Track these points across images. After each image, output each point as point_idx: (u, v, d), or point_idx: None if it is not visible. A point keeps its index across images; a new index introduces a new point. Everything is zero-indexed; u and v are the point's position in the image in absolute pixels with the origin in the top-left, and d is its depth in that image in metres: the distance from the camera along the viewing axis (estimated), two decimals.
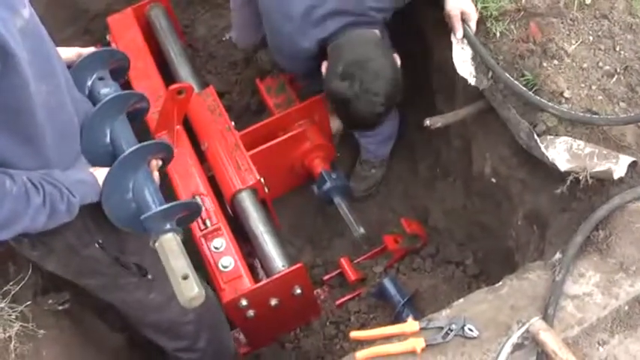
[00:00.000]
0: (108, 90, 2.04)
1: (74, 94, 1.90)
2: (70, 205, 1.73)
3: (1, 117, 1.54)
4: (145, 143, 1.95)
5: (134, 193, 1.90)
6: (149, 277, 2.14)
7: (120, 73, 2.22)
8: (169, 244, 1.85)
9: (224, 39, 4.00)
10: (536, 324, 1.87)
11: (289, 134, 3.13)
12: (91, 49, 2.15)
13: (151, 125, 2.94)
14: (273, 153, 3.11)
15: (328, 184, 3.13)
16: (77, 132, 1.88)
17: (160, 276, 2.10)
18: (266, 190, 2.97)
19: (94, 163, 1.93)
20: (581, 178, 2.20)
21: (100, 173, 1.87)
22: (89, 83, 2.09)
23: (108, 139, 1.97)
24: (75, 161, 1.86)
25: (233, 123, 3.09)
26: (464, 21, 2.52)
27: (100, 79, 2.09)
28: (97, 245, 1.95)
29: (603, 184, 2.24)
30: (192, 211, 2.07)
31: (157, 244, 1.86)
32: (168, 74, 3.34)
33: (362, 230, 3.09)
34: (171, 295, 2.18)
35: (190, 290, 1.78)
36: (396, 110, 3.27)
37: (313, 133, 3.19)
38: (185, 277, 1.79)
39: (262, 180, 2.92)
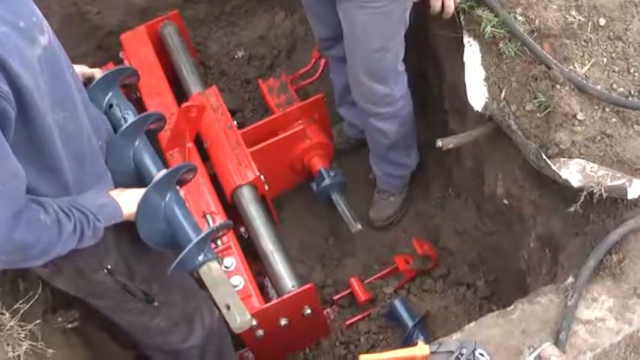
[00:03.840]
0: (124, 113, 2.08)
1: (91, 112, 1.91)
2: (96, 229, 1.76)
3: (21, 150, 1.53)
4: (175, 167, 1.99)
5: (167, 218, 1.95)
6: (155, 304, 2.14)
7: (131, 86, 2.29)
8: (209, 275, 1.91)
9: (236, 56, 4.02)
10: (548, 349, 1.85)
11: (289, 132, 3.19)
12: (98, 71, 2.19)
13: (162, 143, 2.94)
14: (274, 150, 3.16)
15: (326, 181, 3.21)
16: (95, 153, 1.89)
17: (166, 303, 2.14)
18: (266, 187, 3.02)
19: (120, 183, 1.96)
20: (595, 191, 2.17)
21: (127, 196, 1.90)
22: (104, 104, 2.13)
23: (132, 162, 2.03)
24: (95, 182, 1.87)
25: (235, 122, 3.16)
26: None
27: (115, 102, 2.13)
28: (105, 271, 1.95)
29: (617, 206, 2.22)
30: (224, 230, 2.13)
31: (200, 273, 1.92)
32: (180, 91, 3.35)
33: (359, 226, 3.17)
34: (176, 320, 2.22)
35: (233, 322, 1.86)
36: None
37: (313, 131, 3.27)
38: (227, 307, 1.86)
39: (262, 177, 2.97)
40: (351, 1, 2.61)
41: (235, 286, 2.63)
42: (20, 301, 2.08)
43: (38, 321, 2.10)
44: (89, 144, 1.84)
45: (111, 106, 2.12)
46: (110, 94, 2.14)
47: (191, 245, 1.89)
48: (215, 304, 1.97)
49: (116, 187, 1.96)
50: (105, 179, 1.93)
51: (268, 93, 3.60)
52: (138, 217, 1.89)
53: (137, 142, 2.04)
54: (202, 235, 1.92)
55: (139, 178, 2.02)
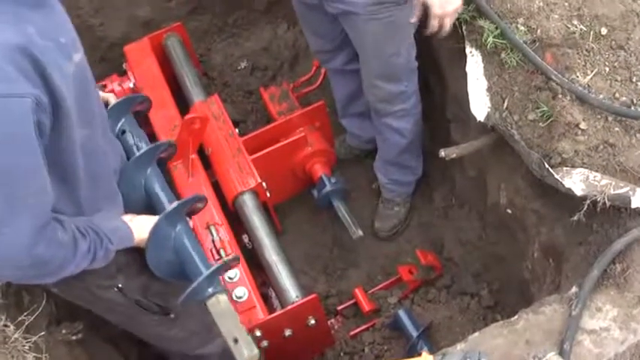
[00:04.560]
0: (136, 140, 2.13)
1: (108, 134, 1.95)
2: (108, 251, 1.77)
3: (45, 160, 1.54)
4: (186, 199, 2.02)
5: (176, 249, 1.97)
6: (171, 315, 2.13)
7: (143, 112, 2.31)
8: (217, 308, 1.92)
9: (239, 68, 4.03)
10: (553, 359, 1.84)
11: (290, 139, 3.21)
12: (112, 96, 2.24)
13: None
14: (275, 157, 3.18)
15: (328, 188, 3.23)
16: (109, 174, 1.91)
17: (182, 314, 2.14)
18: (268, 194, 3.04)
19: (130, 209, 1.98)
20: (598, 200, 2.17)
21: (139, 223, 1.91)
22: (117, 130, 2.18)
23: (143, 190, 2.06)
24: (106, 204, 1.89)
25: (237, 130, 3.20)
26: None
27: (128, 128, 2.17)
28: (115, 289, 1.95)
29: (620, 215, 2.22)
30: (233, 264, 2.13)
31: (207, 305, 1.93)
32: (184, 103, 3.36)
33: (360, 232, 3.19)
34: (194, 330, 2.24)
35: (240, 356, 1.87)
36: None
37: (314, 138, 3.29)
38: (235, 341, 1.88)
39: (264, 184, 2.99)
40: (358, 15, 2.61)
41: (240, 298, 2.64)
42: (25, 313, 2.09)
43: (42, 333, 2.11)
44: (105, 164, 1.86)
45: (123, 132, 2.16)
46: (123, 120, 2.18)
47: (201, 279, 1.90)
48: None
49: (126, 213, 1.97)
50: (116, 202, 1.95)
51: (270, 101, 3.63)
52: (148, 246, 1.91)
53: (149, 171, 2.07)
54: (212, 269, 1.94)
55: (148, 206, 2.05)
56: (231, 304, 1.97)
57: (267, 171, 3.07)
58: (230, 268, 2.14)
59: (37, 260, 1.56)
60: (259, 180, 2.98)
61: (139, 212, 1.98)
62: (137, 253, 1.96)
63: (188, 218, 2.07)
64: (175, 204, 1.96)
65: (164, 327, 2.20)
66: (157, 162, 2.16)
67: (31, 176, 1.49)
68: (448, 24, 2.46)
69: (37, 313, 2.13)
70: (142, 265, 1.96)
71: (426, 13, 2.45)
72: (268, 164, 3.13)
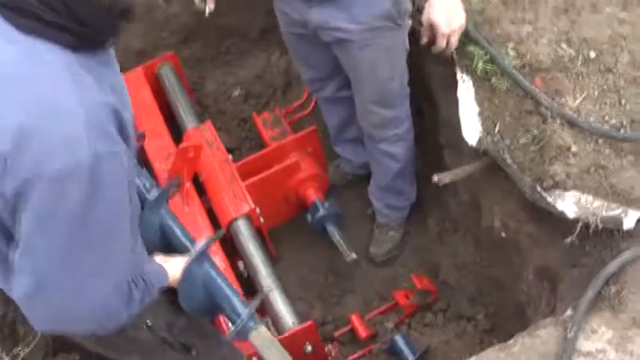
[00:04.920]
0: (142, 179, 2.11)
1: None
2: (152, 295, 1.73)
3: None
4: (210, 238, 2.02)
5: (208, 288, 1.98)
6: (193, 353, 2.11)
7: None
8: (259, 341, 1.95)
9: (233, 95, 4.06)
10: None
11: (283, 164, 3.25)
12: None
13: (161, 183, 2.96)
14: (268, 183, 3.22)
15: (321, 212, 3.26)
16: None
17: (203, 351, 2.13)
18: (261, 219, 3.06)
19: (147, 250, 1.95)
20: (591, 222, 2.19)
21: (171, 265, 1.91)
22: None
23: (158, 230, 2.07)
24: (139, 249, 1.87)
25: (230, 156, 3.23)
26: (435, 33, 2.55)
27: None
28: (145, 327, 1.92)
29: (613, 237, 2.24)
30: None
31: (249, 338, 1.96)
32: (178, 132, 3.38)
33: (354, 255, 3.22)
34: None
35: None
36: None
37: (307, 163, 3.32)
38: None
39: (258, 209, 3.02)
40: (352, 42, 2.64)
41: None
42: (20, 345, 2.09)
43: None
44: (137, 208, 1.81)
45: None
46: None
47: (245, 320, 1.93)
48: None
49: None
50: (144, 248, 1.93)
51: (262, 126, 3.67)
52: (181, 286, 1.91)
53: (162, 212, 2.09)
54: (252, 307, 1.96)
55: (164, 245, 2.04)
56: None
57: (260, 196, 3.10)
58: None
59: (109, 317, 1.55)
60: (252, 205, 3.00)
61: (153, 252, 1.98)
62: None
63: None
64: (203, 244, 1.98)
65: None
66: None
67: (127, 233, 1.51)
68: (454, 42, 2.54)
69: (33, 344, 2.12)
70: (166, 301, 1.96)
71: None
72: (262, 190, 3.16)
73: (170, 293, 1.94)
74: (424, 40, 2.60)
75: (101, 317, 1.54)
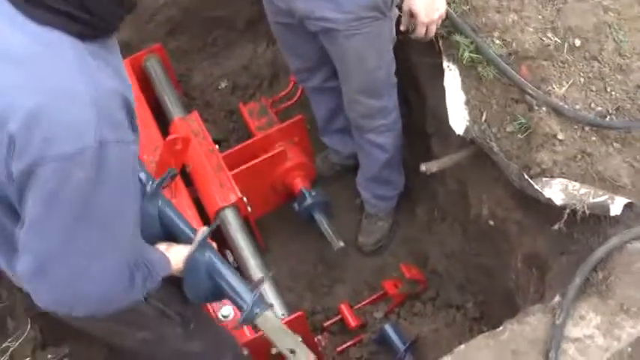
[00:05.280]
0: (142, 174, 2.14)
1: None
2: (154, 282, 1.76)
3: None
4: (211, 227, 2.06)
5: (211, 275, 2.00)
6: (191, 326, 2.15)
7: None
8: (267, 324, 1.97)
9: (220, 87, 4.05)
10: None
11: (270, 154, 3.25)
12: None
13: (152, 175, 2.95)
14: (255, 172, 3.22)
15: (308, 201, 3.28)
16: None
17: (200, 324, 2.18)
18: (249, 208, 3.06)
19: (147, 240, 1.96)
20: (578, 209, 2.20)
21: (174, 253, 1.94)
22: None
23: (157, 220, 2.07)
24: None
25: (217, 147, 3.23)
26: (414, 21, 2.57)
27: None
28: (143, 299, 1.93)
29: (600, 224, 2.25)
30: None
31: (257, 324, 1.98)
32: (165, 123, 3.36)
33: (341, 244, 3.23)
34: (209, 342, 2.27)
35: None
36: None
37: (293, 152, 3.33)
38: (292, 352, 1.94)
39: (245, 198, 3.01)
40: (339, 31, 2.64)
41: (226, 317, 2.64)
42: (9, 340, 2.08)
43: (28, 359, 2.10)
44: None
45: None
46: None
47: (251, 305, 1.95)
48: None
49: None
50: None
51: (249, 116, 3.67)
52: (186, 275, 1.94)
53: (160, 202, 2.10)
54: (257, 292, 1.98)
55: (164, 235, 2.06)
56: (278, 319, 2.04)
57: (247, 186, 3.10)
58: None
59: (109, 298, 1.59)
60: (240, 195, 3.00)
61: (154, 242, 2.00)
62: None
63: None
64: (205, 232, 2.00)
65: (182, 340, 2.19)
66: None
67: (130, 215, 1.56)
68: (433, 30, 2.55)
69: (22, 338, 2.12)
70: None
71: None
72: (248, 179, 3.16)
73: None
74: (403, 27, 2.61)
75: (102, 299, 1.58)
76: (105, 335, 2.09)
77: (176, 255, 1.94)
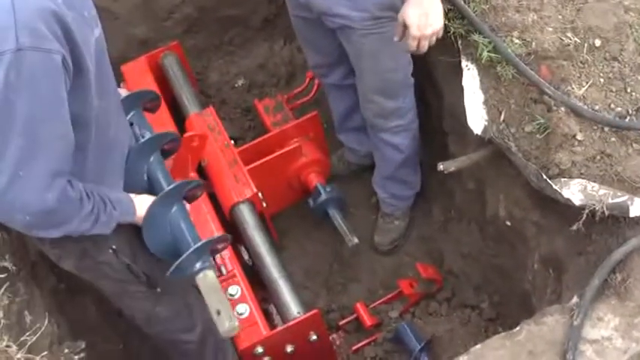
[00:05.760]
0: (142, 131, 2.23)
1: (120, 116, 2.07)
2: (111, 218, 1.87)
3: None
4: (183, 181, 2.12)
5: (171, 229, 2.07)
6: (158, 290, 2.22)
7: (153, 108, 2.41)
8: (204, 282, 2.02)
9: (236, 85, 4.05)
10: None
11: (285, 149, 3.26)
12: (123, 90, 2.36)
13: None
14: (271, 168, 3.23)
15: (323, 197, 3.27)
16: (117, 151, 2.02)
17: (169, 291, 2.25)
18: (264, 204, 3.07)
19: (132, 192, 2.07)
20: (597, 209, 2.19)
21: (140, 200, 2.02)
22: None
23: (145, 176, 2.16)
24: (109, 179, 1.99)
25: (233, 141, 3.24)
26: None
27: (135, 121, 2.26)
28: (110, 251, 2.04)
29: (619, 225, 2.23)
30: (223, 243, 2.20)
31: (196, 280, 2.03)
32: (181, 121, 3.37)
33: (356, 240, 3.21)
34: (177, 310, 2.34)
35: (222, 326, 1.96)
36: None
37: (308, 148, 3.33)
38: (218, 313, 1.97)
39: (260, 194, 3.02)
40: (354, 30, 2.63)
41: (241, 314, 2.64)
42: (27, 334, 2.09)
43: (45, 353, 2.10)
44: (115, 139, 1.98)
45: (131, 124, 2.24)
46: (132, 113, 2.26)
47: (190, 251, 1.99)
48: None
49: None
50: (119, 179, 2.05)
51: (264, 112, 3.68)
52: (145, 224, 2.02)
53: (152, 159, 2.17)
54: (201, 242, 2.03)
55: (150, 193, 2.12)
56: (218, 280, 2.07)
57: (262, 181, 3.10)
58: (221, 247, 2.20)
59: (45, 207, 1.67)
60: (255, 190, 3.00)
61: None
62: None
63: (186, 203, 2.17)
64: (173, 185, 2.07)
65: (150, 302, 2.28)
66: (164, 153, 2.27)
67: (56, 123, 1.63)
68: (425, 46, 2.42)
69: (40, 333, 2.13)
70: (133, 234, 2.06)
71: None
72: (264, 175, 3.16)
73: (136, 228, 2.05)
74: (395, 38, 2.48)
75: (40, 210, 1.67)
76: (78, 272, 2.17)
77: (142, 203, 2.01)
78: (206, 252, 2.05)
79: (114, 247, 2.04)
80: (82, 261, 2.07)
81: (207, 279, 2.02)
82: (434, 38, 2.43)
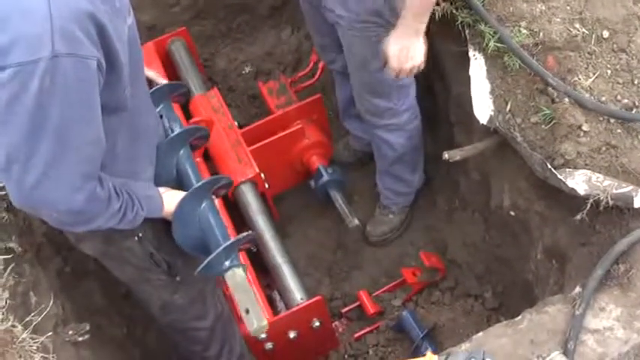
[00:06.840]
0: (172, 124, 2.23)
1: (148, 100, 2.07)
2: (137, 215, 1.87)
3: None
4: (214, 177, 2.14)
5: (200, 224, 2.08)
6: (177, 278, 2.23)
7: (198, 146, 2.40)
8: (234, 280, 2.02)
9: (243, 72, 4.05)
10: (557, 359, 1.86)
11: (288, 131, 3.27)
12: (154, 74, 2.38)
13: None
14: (273, 149, 3.24)
15: (325, 178, 3.29)
16: (148, 135, 2.03)
17: (187, 280, 2.24)
18: (266, 185, 3.08)
19: (161, 186, 2.07)
20: (601, 199, 2.19)
21: (169, 196, 2.03)
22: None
23: (174, 169, 2.17)
24: (141, 164, 2.00)
25: (236, 122, 3.25)
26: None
27: (165, 113, 2.27)
28: (136, 238, 2.05)
29: (623, 216, 2.24)
30: (251, 242, 2.20)
31: (225, 277, 2.03)
32: (188, 106, 3.38)
33: (356, 222, 3.23)
34: (193, 298, 2.34)
35: (250, 325, 1.96)
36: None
37: (311, 130, 3.34)
38: (247, 312, 1.97)
39: (262, 175, 3.03)
40: (344, 28, 2.67)
41: None
42: (32, 314, 2.11)
43: (50, 333, 2.12)
44: (146, 124, 1.99)
45: (161, 116, 2.25)
46: (161, 105, 2.27)
47: (220, 249, 1.99)
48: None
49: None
50: (151, 165, 2.05)
51: (268, 94, 3.69)
52: (174, 219, 2.02)
53: (181, 152, 2.18)
54: (231, 241, 2.03)
55: (179, 186, 2.14)
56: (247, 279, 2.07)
57: (265, 162, 3.11)
58: (250, 245, 2.21)
59: (73, 207, 1.68)
60: (257, 170, 3.02)
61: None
62: None
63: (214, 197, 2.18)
64: (202, 181, 2.08)
65: (168, 290, 2.29)
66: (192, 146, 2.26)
67: (87, 128, 1.63)
68: (403, 76, 2.56)
69: (45, 313, 2.15)
70: (159, 222, 2.06)
71: None
72: (266, 156, 3.17)
73: (164, 221, 2.05)
74: (380, 63, 2.58)
75: (66, 210, 1.68)
76: (98, 257, 2.19)
77: (171, 198, 2.02)
78: (235, 250, 2.05)
79: (140, 234, 2.04)
80: (105, 246, 2.08)
81: (235, 277, 2.02)
82: (413, 72, 2.54)
